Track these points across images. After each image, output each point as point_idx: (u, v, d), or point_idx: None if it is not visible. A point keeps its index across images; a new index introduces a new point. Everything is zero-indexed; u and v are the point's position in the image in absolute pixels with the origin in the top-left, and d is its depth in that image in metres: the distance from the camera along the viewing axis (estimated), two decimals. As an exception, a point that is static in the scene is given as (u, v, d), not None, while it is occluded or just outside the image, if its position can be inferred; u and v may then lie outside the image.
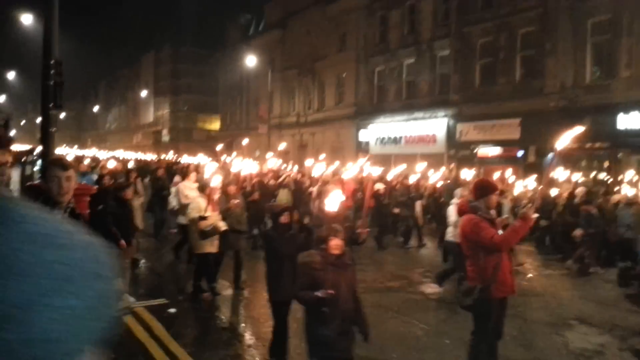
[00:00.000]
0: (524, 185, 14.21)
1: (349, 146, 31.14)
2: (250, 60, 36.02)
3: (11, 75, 50.21)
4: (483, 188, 5.14)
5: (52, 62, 7.71)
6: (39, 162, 11.08)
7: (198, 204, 7.31)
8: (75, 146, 54.07)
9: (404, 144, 27.10)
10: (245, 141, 22.48)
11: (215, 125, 59.15)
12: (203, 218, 7.12)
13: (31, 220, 1.01)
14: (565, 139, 4.98)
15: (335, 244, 4.31)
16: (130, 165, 14.95)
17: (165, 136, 65.98)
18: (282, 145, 20.49)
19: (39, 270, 0.93)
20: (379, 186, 13.07)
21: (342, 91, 32.86)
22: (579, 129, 5.27)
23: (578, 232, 10.94)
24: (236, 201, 8.08)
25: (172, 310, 7.20)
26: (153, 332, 6.35)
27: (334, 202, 4.98)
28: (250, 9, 48.33)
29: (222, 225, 7.56)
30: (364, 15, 30.54)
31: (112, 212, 7.08)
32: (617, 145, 17.65)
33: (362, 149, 30.28)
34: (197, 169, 13.25)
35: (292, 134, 37.63)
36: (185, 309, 7.39)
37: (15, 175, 17.73)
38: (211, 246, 7.56)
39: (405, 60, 27.67)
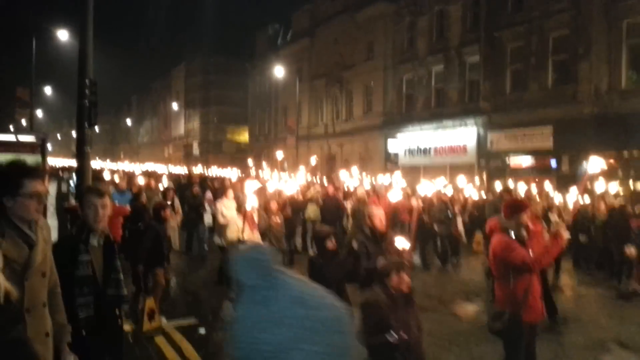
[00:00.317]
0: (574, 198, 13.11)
1: (378, 157, 30.98)
2: (278, 71, 36.25)
3: (48, 90, 51.71)
4: (514, 207, 4.97)
5: (87, 82, 7.87)
6: (74, 179, 11.15)
7: (236, 225, 7.09)
8: (108, 160, 55.18)
9: (434, 154, 26.81)
10: (279, 155, 22.50)
11: (244, 136, 59.60)
12: (241, 241, 6.89)
13: (292, 286, 1.45)
14: (599, 163, 4.82)
15: (403, 280, 3.92)
16: (164, 180, 14.64)
17: (196, 149, 66.84)
18: (313, 160, 20.29)
19: (295, 323, 1.34)
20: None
21: (370, 100, 32.77)
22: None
23: (632, 250, 9.72)
24: (278, 220, 7.92)
25: (202, 331, 7.18)
26: (183, 353, 6.37)
27: (400, 239, 4.68)
28: (278, 18, 48.78)
29: None
30: (391, 22, 30.45)
31: (156, 232, 7.36)
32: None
33: (390, 160, 30.09)
34: (234, 186, 12.97)
35: (320, 145, 37.64)
36: (216, 330, 7.36)
37: (51, 189, 17.98)
38: None
39: (433, 68, 27.45)
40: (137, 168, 32.97)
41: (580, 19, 19.60)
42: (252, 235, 7.20)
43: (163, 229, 7.67)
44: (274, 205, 8.32)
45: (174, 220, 10.12)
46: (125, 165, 39.85)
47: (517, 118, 21.79)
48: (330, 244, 5.04)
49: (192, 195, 13.29)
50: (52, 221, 13.32)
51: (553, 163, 20.36)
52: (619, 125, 17.36)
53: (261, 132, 48.72)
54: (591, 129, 18.42)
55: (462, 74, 25.59)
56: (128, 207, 7.78)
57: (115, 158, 76.54)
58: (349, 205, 13.34)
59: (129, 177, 15.20)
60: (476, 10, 24.87)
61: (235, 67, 60.22)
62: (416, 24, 28.64)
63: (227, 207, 9.37)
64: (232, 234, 7.16)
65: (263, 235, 7.63)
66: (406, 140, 28.86)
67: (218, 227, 9.47)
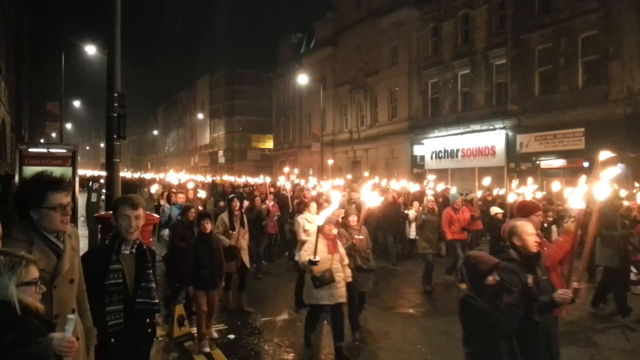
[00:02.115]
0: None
1: (404, 161, 30.78)
2: (302, 79, 36.39)
3: (76, 103, 53.11)
4: (525, 209, 5.02)
5: (115, 95, 7.92)
6: (104, 190, 10.97)
7: (312, 244, 5.90)
8: (140, 172, 55.94)
9: (461, 157, 26.49)
10: (330, 162, 22.06)
11: (268, 144, 59.99)
12: (313, 263, 5.82)
13: None
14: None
15: None
16: (202, 194, 12.63)
17: (221, 157, 67.48)
18: (366, 174, 19.56)
19: None
20: (497, 210, 10.79)
21: (395, 105, 32.58)
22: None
23: None
24: (360, 236, 6.73)
25: (232, 336, 7.15)
26: (213, 358, 6.36)
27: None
28: (301, 27, 49.01)
29: (340, 273, 6.28)
30: (415, 27, 30.29)
31: (194, 249, 6.66)
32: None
33: (417, 164, 29.87)
34: (317, 198, 10.82)
35: (345, 150, 37.61)
36: (247, 336, 7.28)
37: (81, 200, 18.16)
38: (328, 297, 6.21)
39: (459, 71, 27.17)
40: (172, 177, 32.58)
41: (610, 18, 19.18)
42: (328, 257, 6.20)
43: (204, 246, 6.69)
44: (353, 222, 7.05)
45: (244, 240, 8.55)
46: (151, 176, 40.14)
47: (547, 120, 21.39)
48: (492, 279, 3.55)
49: (252, 207, 11.38)
50: (83, 230, 13.49)
51: (585, 164, 19.84)
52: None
53: (286, 140, 48.94)
54: (624, 129, 17.96)
55: (489, 77, 25.26)
56: (157, 216, 7.57)
57: (143, 169, 77.71)
58: (412, 214, 12.42)
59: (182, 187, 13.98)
60: (501, 14, 24.58)
61: (258, 76, 60.82)
62: (440, 29, 28.41)
63: (308, 222, 8.22)
64: (304, 254, 6.16)
65: (348, 255, 6.56)
66: (432, 144, 28.63)
67: (300, 245, 8.07)
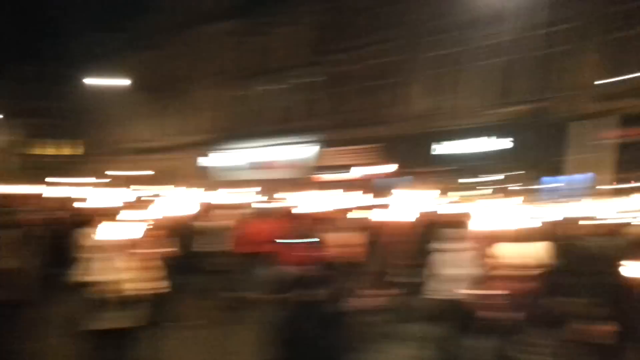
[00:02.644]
0: None
1: (199, 173, 30.60)
2: (112, 82, 34.69)
3: None
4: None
5: None
6: None
7: (96, 260, 5.51)
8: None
9: (265, 169, 27.41)
10: (148, 172, 20.48)
11: (70, 150, 55.35)
12: (94, 282, 5.31)
13: None
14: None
15: None
16: None
17: (11, 166, 59.67)
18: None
19: None
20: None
21: (204, 116, 32.39)
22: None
23: None
24: (168, 249, 6.16)
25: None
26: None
27: None
28: (116, 27, 45.80)
29: (132, 291, 5.43)
30: (229, 40, 30.59)
31: None
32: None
33: (218, 175, 29.85)
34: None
35: (153, 159, 36.05)
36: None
37: None
38: (114, 320, 5.37)
39: (266, 87, 28.33)
40: None
41: (401, 48, 21.85)
42: (119, 272, 5.43)
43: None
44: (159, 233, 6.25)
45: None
46: None
47: (345, 136, 23.30)
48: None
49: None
50: None
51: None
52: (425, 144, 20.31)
53: (92, 146, 46.13)
54: (411, 147, 20.59)
55: (296, 93, 26.69)
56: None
57: None
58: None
59: None
60: (309, 35, 26.08)
61: (58, 75, 55.32)
62: (253, 44, 29.22)
63: (93, 236, 6.80)
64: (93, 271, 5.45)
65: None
66: (235, 156, 29.52)
67: (81, 261, 6.45)
